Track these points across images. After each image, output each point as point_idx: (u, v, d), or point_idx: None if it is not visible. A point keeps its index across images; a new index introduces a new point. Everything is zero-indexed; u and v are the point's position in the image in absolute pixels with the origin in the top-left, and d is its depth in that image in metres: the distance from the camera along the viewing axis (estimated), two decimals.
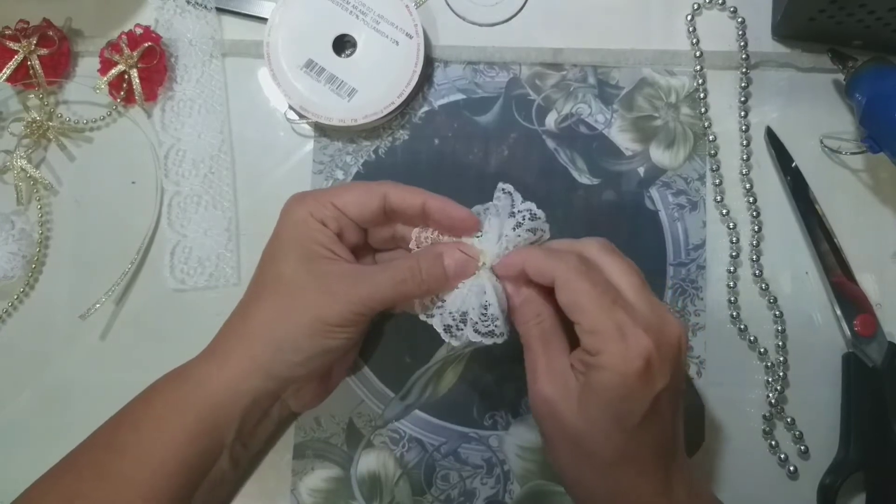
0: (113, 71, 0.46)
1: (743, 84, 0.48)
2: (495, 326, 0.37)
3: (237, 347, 0.38)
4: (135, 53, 0.46)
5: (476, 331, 0.37)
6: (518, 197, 0.39)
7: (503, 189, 0.39)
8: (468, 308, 0.37)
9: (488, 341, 0.37)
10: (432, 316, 0.39)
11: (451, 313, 0.38)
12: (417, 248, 0.40)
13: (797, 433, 0.44)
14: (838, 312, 0.45)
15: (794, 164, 0.46)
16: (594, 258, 0.36)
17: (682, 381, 0.35)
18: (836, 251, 0.45)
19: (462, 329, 0.37)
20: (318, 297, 0.37)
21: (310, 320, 0.37)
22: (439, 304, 0.38)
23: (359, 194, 0.39)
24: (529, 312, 0.37)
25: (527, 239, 0.38)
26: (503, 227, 0.38)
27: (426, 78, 0.48)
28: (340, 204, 0.38)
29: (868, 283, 0.45)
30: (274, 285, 0.38)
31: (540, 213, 0.38)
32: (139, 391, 0.39)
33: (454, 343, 0.38)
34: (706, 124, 0.47)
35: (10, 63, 0.46)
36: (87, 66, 0.48)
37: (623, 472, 0.35)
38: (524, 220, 0.38)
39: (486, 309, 0.36)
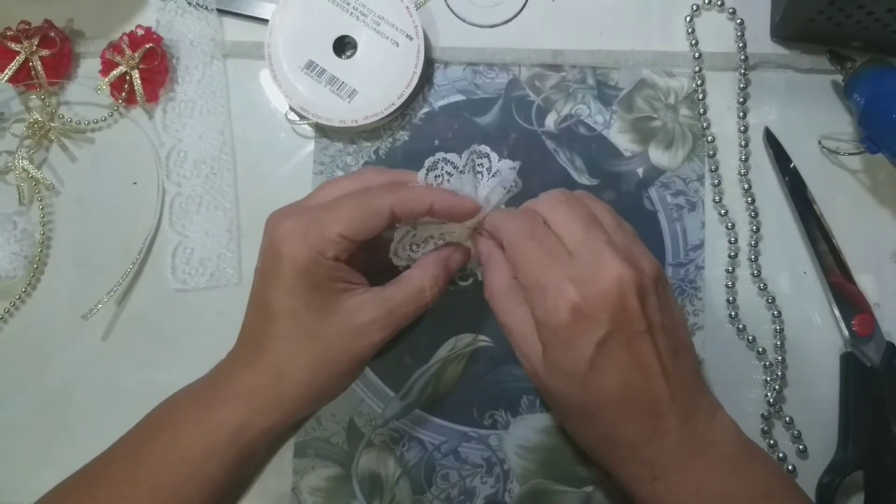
0: (114, 72, 0.47)
1: (742, 85, 0.48)
2: None
3: (280, 404, 0.38)
4: (136, 54, 0.46)
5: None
6: (494, 157, 0.40)
7: (479, 152, 0.40)
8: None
9: None
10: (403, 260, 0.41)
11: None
12: (399, 243, 0.40)
13: (795, 432, 0.44)
14: (836, 312, 0.45)
15: (792, 165, 0.47)
16: (546, 212, 0.37)
17: (642, 323, 0.34)
18: (835, 251, 0.45)
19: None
20: (351, 343, 0.38)
21: (346, 366, 0.38)
22: (414, 248, 0.41)
23: (365, 218, 0.37)
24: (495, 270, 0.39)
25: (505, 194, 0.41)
26: (488, 191, 0.40)
27: (426, 79, 0.48)
28: (350, 234, 0.36)
29: (866, 283, 0.45)
30: (303, 340, 0.37)
31: (516, 164, 0.40)
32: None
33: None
34: (705, 125, 0.48)
35: (12, 64, 0.46)
36: (89, 67, 0.48)
37: (598, 420, 0.35)
38: (509, 183, 0.41)
39: None
